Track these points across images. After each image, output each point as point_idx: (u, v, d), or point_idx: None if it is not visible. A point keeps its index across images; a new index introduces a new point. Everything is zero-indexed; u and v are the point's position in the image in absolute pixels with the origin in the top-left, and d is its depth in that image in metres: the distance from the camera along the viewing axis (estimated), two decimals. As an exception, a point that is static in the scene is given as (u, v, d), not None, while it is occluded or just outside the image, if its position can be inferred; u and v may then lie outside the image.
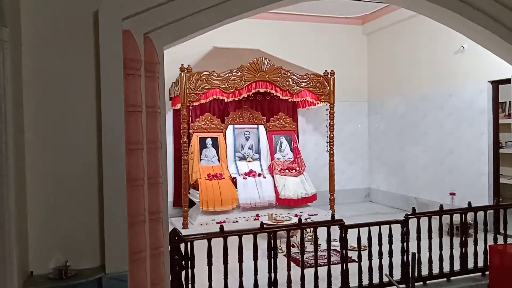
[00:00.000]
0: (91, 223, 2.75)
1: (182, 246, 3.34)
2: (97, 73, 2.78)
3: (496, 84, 6.16)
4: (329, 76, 7.32)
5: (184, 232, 3.38)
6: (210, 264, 3.42)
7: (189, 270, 3.36)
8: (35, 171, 2.66)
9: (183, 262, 3.33)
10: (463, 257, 4.28)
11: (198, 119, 7.50)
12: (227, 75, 6.67)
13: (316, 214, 7.09)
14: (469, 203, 4.36)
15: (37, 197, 2.66)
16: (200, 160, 7.29)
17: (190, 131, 7.31)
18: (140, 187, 2.88)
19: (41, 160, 2.68)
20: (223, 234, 3.46)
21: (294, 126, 8.16)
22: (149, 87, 3.01)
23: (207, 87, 6.58)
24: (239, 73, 6.73)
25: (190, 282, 3.36)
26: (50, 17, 2.71)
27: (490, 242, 4.36)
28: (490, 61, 5.60)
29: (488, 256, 4.27)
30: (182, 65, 6.46)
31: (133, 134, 2.87)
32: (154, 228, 2.97)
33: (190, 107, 6.99)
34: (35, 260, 2.64)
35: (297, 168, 7.59)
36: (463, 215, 4.30)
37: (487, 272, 4.28)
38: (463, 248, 4.27)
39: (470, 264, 4.31)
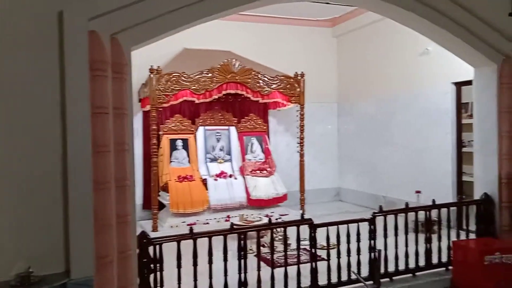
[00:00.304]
0: (56, 227, 2.69)
1: (151, 249, 3.31)
2: (62, 75, 2.73)
3: (459, 85, 6.39)
4: (299, 77, 7.39)
5: (153, 234, 3.35)
6: (179, 266, 3.40)
7: (158, 273, 3.33)
8: (-4, 174, 2.58)
9: (152, 265, 3.30)
10: (428, 253, 4.42)
11: (168, 120, 7.43)
12: (197, 76, 6.65)
13: (287, 214, 7.15)
14: (433, 201, 4.50)
15: (-1, 202, 2.58)
16: (170, 162, 7.22)
17: (160, 132, 7.23)
18: (108, 190, 2.84)
19: (2, 163, 2.60)
20: (193, 236, 3.45)
21: (265, 127, 8.20)
22: (117, 88, 2.97)
23: (177, 88, 6.53)
24: (210, 75, 6.71)
25: (159, 285, 3.33)
26: (13, 16, 2.64)
27: (453, 238, 4.52)
28: (454, 63, 5.79)
29: (451, 251, 4.42)
30: (152, 66, 6.39)
31: (99, 136, 2.82)
32: (122, 231, 2.93)
33: (160, 109, 6.92)
34: (-4, 267, 2.56)
35: (268, 169, 7.63)
36: (428, 212, 4.44)
37: (450, 267, 4.43)
38: (428, 244, 4.41)
39: (435, 260, 4.45)
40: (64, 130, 2.71)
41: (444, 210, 4.64)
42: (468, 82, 5.52)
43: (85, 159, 2.75)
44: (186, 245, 3.44)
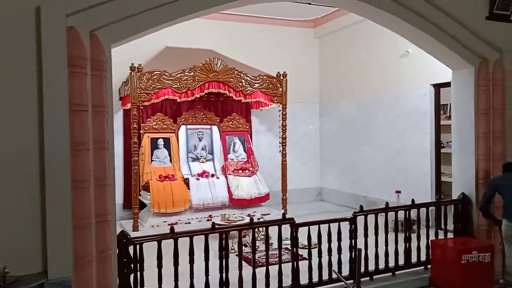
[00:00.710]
0: (32, 227, 2.63)
1: (131, 248, 3.27)
2: (39, 71, 2.68)
3: (438, 87, 6.50)
4: (281, 77, 7.41)
5: (134, 234, 3.32)
6: (160, 266, 3.37)
7: (138, 273, 3.29)
8: (-30, 173, 2.51)
9: (132, 265, 3.26)
10: (407, 252, 4.48)
11: (149, 119, 7.36)
12: (179, 75, 6.60)
13: (269, 214, 7.16)
14: (413, 200, 4.57)
15: (-27, 200, 2.51)
16: (152, 161, 7.16)
17: (141, 131, 7.16)
18: (86, 189, 2.79)
19: (-23, 161, 2.53)
20: (174, 235, 3.42)
21: (247, 127, 8.20)
22: (96, 86, 2.93)
23: (159, 86, 6.47)
24: (192, 73, 6.67)
25: (139, 285, 3.30)
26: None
27: (432, 237, 4.59)
28: (433, 65, 5.89)
29: (430, 250, 4.49)
30: (133, 64, 6.32)
31: (78, 134, 2.78)
32: (101, 231, 2.89)
33: (141, 107, 6.85)
34: (-30, 267, 2.49)
35: (251, 169, 7.63)
36: (407, 212, 4.50)
37: (429, 266, 4.50)
38: (407, 243, 4.47)
39: (414, 259, 4.51)
40: (42, 128, 2.66)
41: (423, 210, 4.72)
42: (447, 84, 5.62)
43: (63, 157, 2.70)
44: (167, 244, 3.41)
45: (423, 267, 4.54)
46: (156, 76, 6.44)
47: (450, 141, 5.99)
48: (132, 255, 3.26)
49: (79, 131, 2.77)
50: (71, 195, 2.71)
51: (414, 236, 4.56)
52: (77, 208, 2.74)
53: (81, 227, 2.75)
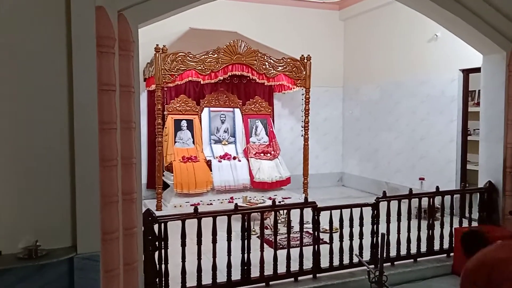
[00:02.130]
0: (63, 203, 2.71)
1: (156, 227, 3.33)
2: (69, 51, 2.71)
3: (466, 72, 6.32)
4: (305, 60, 7.34)
5: (157, 214, 3.37)
6: (184, 245, 3.43)
7: (163, 250, 3.36)
8: (4, 150, 2.59)
9: (157, 243, 3.33)
10: (430, 239, 4.44)
11: (173, 101, 7.42)
12: (203, 56, 6.60)
13: (290, 198, 7.18)
14: (437, 188, 4.50)
15: (6, 176, 2.59)
16: (175, 142, 7.23)
17: (165, 113, 7.22)
18: (114, 167, 2.85)
19: (10, 139, 2.61)
20: (197, 215, 3.47)
21: (269, 110, 8.17)
22: (123, 66, 2.96)
23: (183, 68, 6.50)
24: (216, 55, 6.66)
25: (163, 262, 3.37)
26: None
27: (456, 225, 4.53)
28: (462, 50, 5.74)
29: (453, 238, 4.44)
30: (157, 45, 6.35)
31: (106, 113, 2.82)
32: (128, 209, 2.95)
33: (165, 89, 6.90)
34: (3, 240, 2.59)
35: (272, 152, 7.64)
36: (431, 199, 4.44)
37: (452, 254, 4.46)
38: (430, 231, 4.43)
39: (437, 246, 4.47)
40: (71, 106, 2.71)
41: (447, 198, 4.64)
42: (476, 70, 5.47)
43: (91, 136, 2.75)
44: (190, 224, 3.46)
45: (445, 255, 4.50)
46: (180, 58, 6.46)
47: (478, 129, 5.86)
48: (157, 233, 3.33)
49: (107, 110, 2.81)
50: (99, 173, 2.76)
51: (437, 224, 4.50)
52: (105, 186, 2.80)
53: (108, 204, 2.81)
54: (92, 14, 2.74)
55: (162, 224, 3.35)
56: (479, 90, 6.72)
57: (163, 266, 3.38)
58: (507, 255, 2.62)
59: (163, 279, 3.39)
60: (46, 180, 2.68)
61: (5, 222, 2.59)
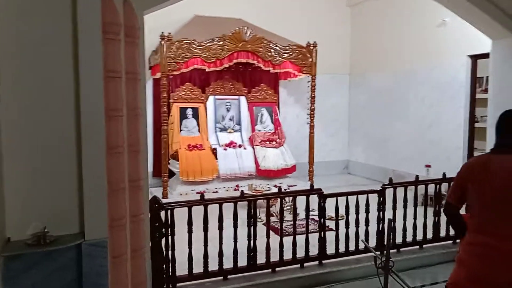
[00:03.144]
0: (70, 189, 2.72)
1: (163, 214, 3.35)
2: (75, 37, 2.70)
3: (475, 58, 6.25)
4: (311, 47, 7.28)
5: (164, 201, 3.38)
6: (190, 231, 3.46)
7: (169, 237, 3.38)
8: (11, 138, 2.60)
9: (163, 230, 3.35)
10: (436, 226, 4.43)
11: (178, 89, 7.40)
12: (208, 44, 6.57)
13: (295, 185, 7.18)
14: (444, 174, 4.49)
15: (14, 163, 2.60)
16: (180, 130, 7.24)
17: (170, 101, 7.22)
18: (120, 154, 2.85)
19: (17, 126, 2.61)
20: (204, 202, 3.49)
21: (275, 98, 8.15)
22: (129, 52, 2.93)
23: (188, 56, 6.47)
24: (221, 43, 6.62)
25: (170, 249, 3.40)
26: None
27: (463, 212, 4.51)
28: (470, 35, 5.67)
29: (459, 225, 4.43)
30: (163, 32, 6.32)
31: (112, 100, 2.81)
32: (134, 195, 2.96)
33: (170, 77, 6.88)
34: (12, 226, 2.61)
35: (278, 140, 7.63)
36: (438, 186, 4.43)
37: (458, 240, 4.45)
38: (436, 217, 4.42)
39: (443, 233, 4.47)
40: (78, 93, 2.70)
41: (454, 184, 4.61)
42: (485, 55, 5.40)
43: (98, 123, 2.74)
44: (196, 211, 3.48)
45: (451, 242, 4.50)
46: (185, 45, 6.43)
47: (485, 115, 5.82)
48: (163, 220, 3.35)
49: (113, 97, 2.80)
50: (106, 160, 2.77)
51: (443, 211, 4.49)
52: (112, 173, 2.80)
53: (115, 191, 2.82)
54: (98, 1, 2.72)
55: (169, 211, 3.36)
56: (487, 77, 6.67)
57: (170, 252, 3.41)
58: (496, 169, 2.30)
59: (170, 265, 3.42)
60: (53, 167, 2.69)
61: (13, 208, 2.61)
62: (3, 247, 2.50)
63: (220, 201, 3.56)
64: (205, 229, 3.48)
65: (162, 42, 6.29)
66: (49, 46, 2.67)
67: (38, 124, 2.65)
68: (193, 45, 6.48)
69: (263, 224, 4.13)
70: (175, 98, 7.33)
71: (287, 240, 3.86)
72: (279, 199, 3.94)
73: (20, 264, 2.50)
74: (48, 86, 2.67)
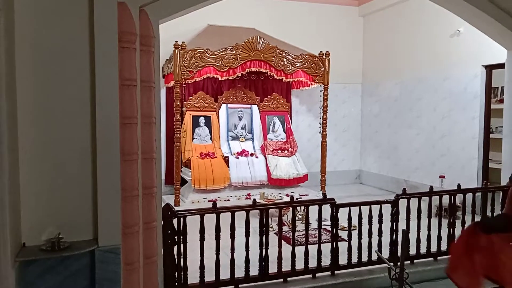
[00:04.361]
0: (85, 196, 2.75)
1: (175, 221, 3.36)
2: (91, 46, 2.75)
3: (490, 68, 6.19)
4: (324, 57, 7.29)
5: (176, 209, 3.39)
6: (202, 239, 3.45)
7: (182, 245, 3.38)
8: (28, 144, 2.64)
9: (176, 237, 3.35)
10: (451, 237, 4.36)
11: (191, 97, 7.46)
12: (221, 53, 6.62)
13: (307, 194, 7.15)
14: (459, 185, 4.42)
15: (30, 170, 2.64)
16: (193, 138, 7.28)
17: (183, 109, 7.27)
18: (134, 162, 2.88)
19: (33, 133, 2.65)
20: (216, 210, 3.48)
21: (287, 107, 8.15)
22: (144, 61, 2.98)
23: (201, 65, 6.52)
24: (234, 52, 6.67)
25: (182, 256, 3.39)
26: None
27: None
28: (485, 45, 5.62)
29: (475, 237, 4.35)
30: (176, 42, 6.39)
31: (127, 108, 2.85)
32: (148, 203, 2.98)
33: (184, 85, 6.94)
34: (27, 232, 2.65)
35: (290, 149, 7.62)
36: (452, 197, 4.36)
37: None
38: (451, 229, 4.35)
39: (457, 245, 4.39)
40: (93, 102, 2.74)
41: (469, 196, 4.56)
42: (500, 66, 5.35)
43: (113, 131, 2.78)
44: (208, 219, 3.48)
45: (467, 254, 4.41)
46: (198, 54, 6.49)
47: (500, 126, 5.75)
48: (175, 228, 3.36)
49: (128, 105, 2.84)
50: (120, 168, 2.80)
51: (458, 223, 4.42)
52: (126, 180, 2.83)
53: (129, 198, 2.85)
54: (114, 10, 2.77)
55: (181, 219, 3.37)
56: (502, 87, 6.60)
57: (182, 260, 3.40)
58: None
59: (182, 273, 3.42)
60: (68, 174, 2.72)
61: (28, 215, 2.64)
62: (18, 253, 2.53)
63: (232, 210, 3.56)
64: (217, 238, 3.47)
65: (176, 51, 6.36)
66: (66, 55, 2.72)
67: (54, 131, 2.70)
68: (206, 54, 6.53)
69: (275, 233, 4.12)
70: (188, 106, 7.39)
71: (299, 250, 3.83)
72: (291, 208, 3.91)
73: (35, 269, 2.53)
74: (64, 94, 2.72)
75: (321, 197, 4.07)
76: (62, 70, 2.71)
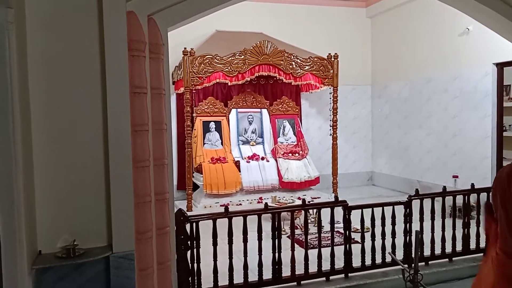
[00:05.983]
0: (98, 203, 2.78)
1: (188, 226, 3.38)
2: (102, 55, 2.78)
3: (501, 66, 6.12)
4: (332, 59, 7.28)
5: (188, 214, 3.41)
6: (215, 244, 3.47)
7: (195, 250, 3.40)
8: (42, 152, 2.68)
9: (189, 242, 3.37)
10: (466, 238, 4.31)
11: (201, 103, 7.50)
12: (230, 58, 6.65)
13: (319, 197, 7.13)
14: (472, 185, 4.38)
15: (45, 177, 2.68)
16: (204, 144, 7.32)
17: (194, 115, 7.32)
18: (146, 168, 2.90)
19: (47, 140, 2.69)
20: (228, 214, 3.50)
21: (297, 110, 8.15)
22: (154, 68, 3.01)
23: (210, 70, 6.57)
24: (242, 57, 6.70)
25: (195, 261, 3.41)
26: (54, -3, 2.70)
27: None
28: (496, 43, 5.56)
29: (490, 237, 4.30)
30: (185, 48, 6.44)
31: (138, 115, 2.88)
32: (160, 209, 3.00)
33: (193, 91, 6.99)
34: (43, 239, 2.68)
35: (300, 152, 7.61)
36: (466, 197, 4.32)
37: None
38: (466, 229, 4.31)
39: (473, 245, 4.34)
40: (105, 110, 2.77)
41: (483, 195, 4.50)
42: (511, 63, 5.29)
43: (124, 138, 2.81)
44: (220, 224, 3.49)
45: (482, 254, 4.35)
46: (208, 60, 6.54)
47: (514, 124, 5.69)
48: (188, 233, 3.38)
49: (139, 112, 2.87)
50: (132, 174, 2.82)
51: (473, 223, 4.38)
52: (138, 187, 2.85)
53: (141, 204, 2.87)
54: (124, 19, 2.81)
55: (194, 224, 3.39)
56: (514, 84, 6.53)
57: (195, 265, 3.42)
58: None
59: (196, 278, 3.44)
60: (82, 182, 2.76)
61: (44, 222, 2.68)
62: (34, 260, 2.57)
63: (245, 214, 3.57)
64: (230, 242, 3.49)
65: (185, 58, 6.41)
66: (77, 64, 2.76)
67: (66, 139, 2.73)
68: (215, 60, 6.58)
69: (287, 236, 4.12)
70: (198, 112, 7.43)
71: (312, 253, 3.82)
72: (303, 212, 3.91)
73: (50, 276, 2.56)
74: (76, 104, 2.76)
75: (333, 199, 4.06)
76: (73, 80, 2.75)
